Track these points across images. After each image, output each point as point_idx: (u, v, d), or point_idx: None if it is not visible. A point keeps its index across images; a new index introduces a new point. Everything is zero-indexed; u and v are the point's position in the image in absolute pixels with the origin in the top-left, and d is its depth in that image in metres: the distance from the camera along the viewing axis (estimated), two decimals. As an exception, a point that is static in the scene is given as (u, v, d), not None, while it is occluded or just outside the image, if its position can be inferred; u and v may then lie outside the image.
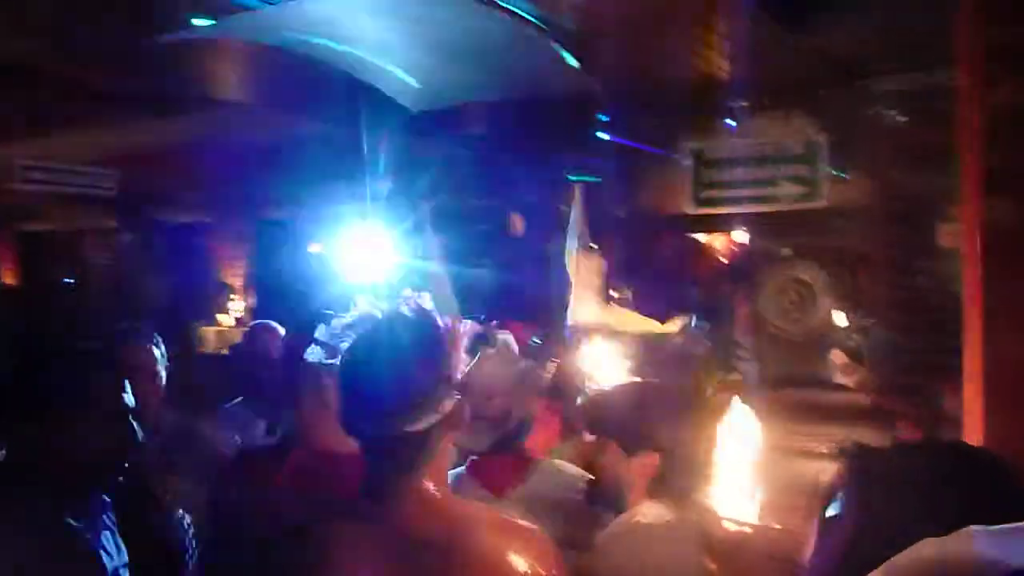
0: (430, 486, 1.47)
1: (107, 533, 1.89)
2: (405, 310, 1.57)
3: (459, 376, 1.52)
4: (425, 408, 1.44)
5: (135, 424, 1.91)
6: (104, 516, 1.90)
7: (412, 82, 4.29)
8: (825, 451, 2.38)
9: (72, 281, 12.18)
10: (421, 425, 1.43)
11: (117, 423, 1.87)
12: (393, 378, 1.45)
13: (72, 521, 1.79)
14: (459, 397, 1.50)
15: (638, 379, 2.75)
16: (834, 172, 5.42)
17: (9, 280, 12.10)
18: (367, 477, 1.49)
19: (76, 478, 1.83)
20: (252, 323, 4.90)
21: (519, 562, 1.38)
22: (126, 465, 1.89)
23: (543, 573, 1.39)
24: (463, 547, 1.38)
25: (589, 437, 2.21)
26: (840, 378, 3.08)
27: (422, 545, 1.40)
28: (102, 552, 1.83)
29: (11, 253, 12.19)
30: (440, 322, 1.56)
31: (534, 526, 1.48)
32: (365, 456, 1.50)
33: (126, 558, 1.89)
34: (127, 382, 2.11)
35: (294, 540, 1.53)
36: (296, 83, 4.77)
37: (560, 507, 2.13)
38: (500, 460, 2.27)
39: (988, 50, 1.87)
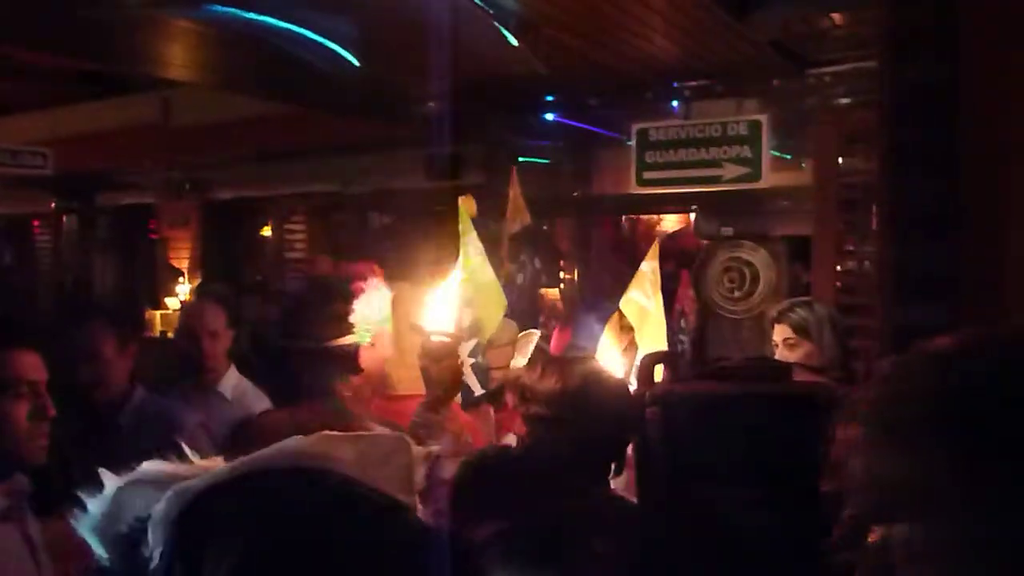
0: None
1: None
2: None
3: None
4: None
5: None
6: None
7: (352, 59, 4.25)
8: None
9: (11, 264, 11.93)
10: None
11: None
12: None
13: None
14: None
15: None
16: (780, 155, 5.49)
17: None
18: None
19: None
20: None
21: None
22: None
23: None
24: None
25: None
26: (784, 353, 3.09)
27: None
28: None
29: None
30: None
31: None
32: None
33: None
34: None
35: None
36: (236, 61, 4.70)
37: None
38: None
39: (897, 31, 1.91)
